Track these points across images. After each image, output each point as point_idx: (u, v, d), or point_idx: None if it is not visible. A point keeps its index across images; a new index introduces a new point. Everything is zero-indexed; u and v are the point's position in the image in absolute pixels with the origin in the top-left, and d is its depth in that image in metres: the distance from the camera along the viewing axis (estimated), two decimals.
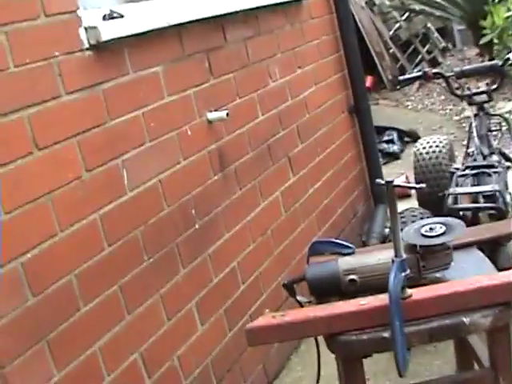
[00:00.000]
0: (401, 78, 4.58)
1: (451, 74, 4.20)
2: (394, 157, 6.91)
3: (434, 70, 4.18)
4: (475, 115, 4.14)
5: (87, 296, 2.33)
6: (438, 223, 2.12)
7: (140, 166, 2.64)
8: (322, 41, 4.49)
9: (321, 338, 2.04)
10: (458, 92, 4.24)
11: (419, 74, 4.23)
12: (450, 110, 8.20)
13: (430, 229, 2.09)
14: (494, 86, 4.11)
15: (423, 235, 2.08)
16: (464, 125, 7.13)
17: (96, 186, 2.42)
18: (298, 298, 2.13)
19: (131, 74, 2.65)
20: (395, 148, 7.01)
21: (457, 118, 7.89)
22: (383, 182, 1.95)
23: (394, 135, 7.10)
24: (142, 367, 2.56)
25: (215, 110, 3.12)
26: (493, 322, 1.92)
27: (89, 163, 2.40)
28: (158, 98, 2.80)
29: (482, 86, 4.24)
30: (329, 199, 4.23)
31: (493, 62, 4.23)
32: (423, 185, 2.09)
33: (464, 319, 1.92)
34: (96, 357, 2.34)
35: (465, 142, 4.21)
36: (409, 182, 5.77)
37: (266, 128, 3.62)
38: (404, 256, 1.92)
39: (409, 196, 5.11)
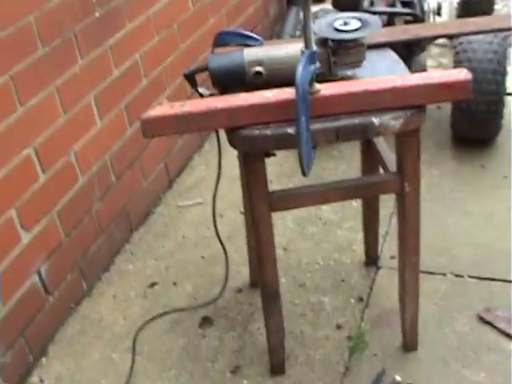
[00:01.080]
0: None
1: None
2: None
3: None
4: None
5: None
6: (353, 18, 1.99)
7: None
8: None
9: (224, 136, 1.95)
10: None
11: None
12: None
13: (345, 23, 1.96)
14: None
15: (336, 29, 1.95)
16: None
17: None
18: (200, 89, 2.00)
19: None
20: None
21: None
22: None
23: None
24: (36, 161, 2.43)
25: None
26: (403, 124, 1.85)
27: None
28: None
29: None
30: None
31: None
32: None
33: (374, 119, 1.83)
34: None
35: None
36: None
37: None
38: (315, 48, 1.80)
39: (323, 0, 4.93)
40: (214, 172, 2.19)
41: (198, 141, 3.62)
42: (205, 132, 3.63)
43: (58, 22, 2.50)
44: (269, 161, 1.95)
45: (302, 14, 1.81)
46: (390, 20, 3.25)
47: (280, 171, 3.27)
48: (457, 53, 3.12)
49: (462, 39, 3.14)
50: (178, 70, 3.26)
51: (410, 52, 3.32)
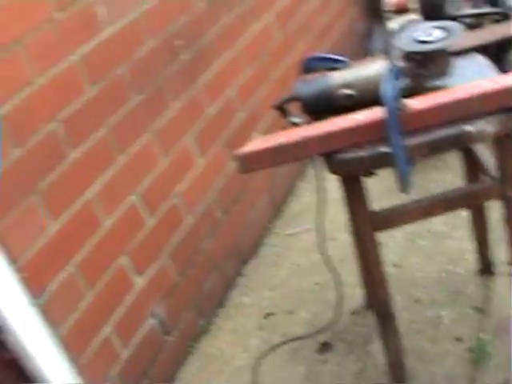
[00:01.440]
0: None
1: None
2: None
3: None
4: None
5: (74, 141, 2.23)
6: (434, 27, 1.97)
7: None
8: None
9: None
10: None
11: None
12: None
13: (428, 34, 1.94)
14: None
15: (420, 41, 1.94)
16: None
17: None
18: (291, 118, 2.02)
19: None
20: None
21: None
22: None
23: None
24: (142, 206, 2.50)
25: None
26: (499, 128, 1.81)
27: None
28: None
29: None
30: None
31: None
32: None
33: (468, 128, 1.81)
34: (90, 203, 2.28)
35: None
36: None
37: None
38: (399, 64, 1.79)
39: (407, 11, 4.86)
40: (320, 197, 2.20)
41: (300, 167, 3.64)
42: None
43: (147, 70, 2.58)
44: (371, 182, 1.94)
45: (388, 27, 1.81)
46: (478, 22, 3.17)
47: (384, 188, 3.24)
48: None
49: None
50: (272, 99, 3.29)
51: (502, 57, 3.23)
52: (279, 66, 3.48)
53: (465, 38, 2.24)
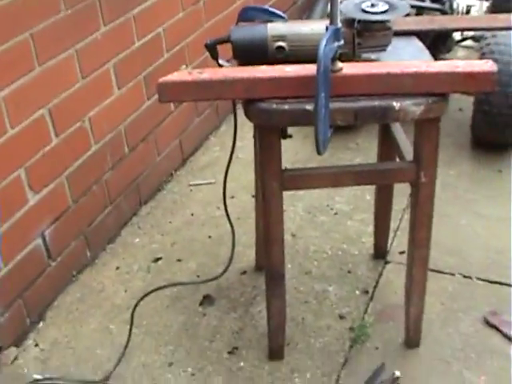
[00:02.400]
0: None
1: None
2: None
3: None
4: None
5: None
6: (381, 0, 1.95)
7: None
8: None
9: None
10: None
11: None
12: None
13: (372, 5, 1.92)
14: None
15: (363, 10, 1.91)
16: None
17: None
18: (220, 61, 1.96)
19: None
20: None
21: None
22: None
23: None
24: (50, 123, 2.40)
25: None
26: (424, 111, 1.80)
27: None
28: None
29: None
30: None
31: None
32: None
33: (394, 103, 1.79)
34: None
35: None
36: None
37: None
38: (340, 26, 1.76)
39: None
40: (229, 154, 2.16)
41: (214, 121, 3.59)
42: (222, 113, 3.60)
43: None
44: (284, 147, 1.90)
45: (329, 6, 1.77)
46: (418, 15, 3.20)
47: (295, 159, 3.23)
48: (483, 54, 3.07)
49: (490, 40, 3.09)
50: (200, 47, 3.21)
51: (435, 51, 3.27)
52: (214, 15, 3.40)
53: (406, 21, 2.25)
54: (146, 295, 2.44)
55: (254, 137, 2.21)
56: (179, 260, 2.73)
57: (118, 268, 2.71)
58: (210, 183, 3.17)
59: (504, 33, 3.05)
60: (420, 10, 3.20)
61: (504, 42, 3.04)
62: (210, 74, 1.79)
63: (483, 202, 2.96)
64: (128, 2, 2.73)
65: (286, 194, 1.97)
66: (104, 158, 2.73)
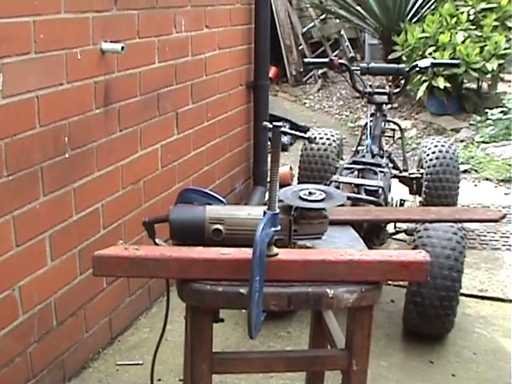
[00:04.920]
0: (308, 60, 4.53)
1: (357, 68, 4.17)
2: (282, 148, 6.83)
3: (341, 60, 4.11)
4: (372, 114, 4.11)
5: None
6: (318, 190, 2.01)
7: (19, 75, 2.43)
8: (236, 8, 4.36)
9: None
10: (360, 88, 4.20)
11: (326, 60, 4.18)
12: (346, 116, 8.22)
13: (310, 193, 1.98)
14: (396, 90, 4.10)
15: (301, 198, 1.97)
16: (357, 133, 7.13)
17: None
18: (157, 239, 1.97)
19: None
20: (285, 140, 6.97)
21: (351, 124, 7.91)
22: (270, 126, 1.81)
23: (287, 126, 7.02)
24: None
25: (111, 42, 2.93)
26: (357, 299, 1.82)
27: None
28: (53, 11, 2.59)
29: (385, 88, 4.22)
30: (209, 166, 4.12)
31: (400, 66, 4.20)
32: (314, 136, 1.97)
33: (328, 290, 1.81)
34: None
35: (354, 148, 4.18)
36: (292, 175, 5.75)
37: (160, 76, 3.45)
38: (277, 211, 1.80)
39: (289, 185, 5.03)
40: (158, 336, 2.11)
41: (146, 302, 3.55)
42: (154, 294, 3.58)
43: (27, 154, 2.51)
44: (214, 332, 1.87)
45: (267, 194, 1.83)
46: (353, 204, 3.29)
47: (225, 344, 3.19)
48: (415, 246, 3.15)
49: (422, 233, 3.19)
50: (138, 225, 3.24)
51: (369, 243, 3.35)
52: (153, 196, 3.46)
53: (343, 210, 2.32)
54: None
55: (186, 318, 2.18)
56: None
57: None
58: (138, 364, 3.08)
59: (436, 225, 3.16)
60: (356, 201, 3.29)
61: (436, 235, 3.14)
62: (146, 251, 1.79)
63: None
64: (70, 174, 2.77)
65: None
66: (31, 330, 2.65)
